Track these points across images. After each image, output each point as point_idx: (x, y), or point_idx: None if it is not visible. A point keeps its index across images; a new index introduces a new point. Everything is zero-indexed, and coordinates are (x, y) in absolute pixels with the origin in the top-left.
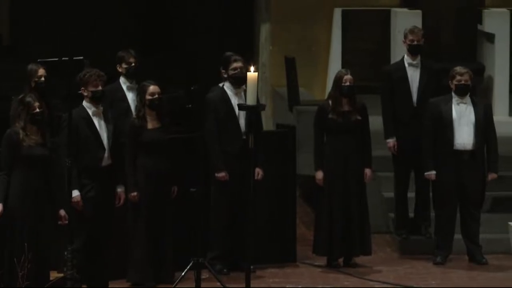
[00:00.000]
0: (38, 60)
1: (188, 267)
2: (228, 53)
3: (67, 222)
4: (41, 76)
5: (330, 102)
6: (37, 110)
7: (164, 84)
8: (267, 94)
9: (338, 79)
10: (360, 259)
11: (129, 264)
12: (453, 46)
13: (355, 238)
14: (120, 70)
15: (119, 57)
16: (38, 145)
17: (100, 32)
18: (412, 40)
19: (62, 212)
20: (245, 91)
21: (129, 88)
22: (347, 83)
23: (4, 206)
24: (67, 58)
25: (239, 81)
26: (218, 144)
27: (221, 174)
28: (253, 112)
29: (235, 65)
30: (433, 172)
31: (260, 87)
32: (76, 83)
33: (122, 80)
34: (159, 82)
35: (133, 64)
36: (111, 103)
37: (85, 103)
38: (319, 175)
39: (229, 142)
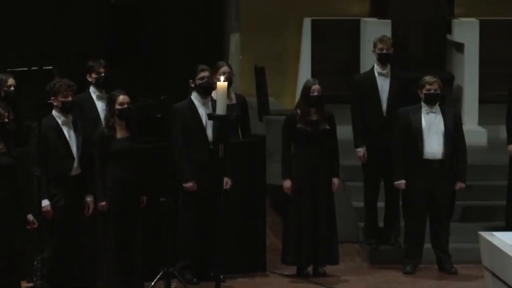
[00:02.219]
0: (8, 69)
1: (158, 276)
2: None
3: (35, 226)
4: (10, 86)
5: (298, 111)
6: (6, 120)
7: (133, 94)
8: None
9: (306, 89)
10: (329, 268)
11: (98, 274)
12: (423, 56)
13: (322, 247)
14: (90, 79)
15: (89, 66)
16: (3, 154)
17: (69, 41)
18: (382, 49)
19: (30, 217)
20: (214, 100)
21: (98, 98)
22: (315, 93)
23: None
24: (36, 68)
25: (206, 90)
26: (186, 154)
27: (189, 184)
28: (223, 122)
29: (202, 74)
30: (403, 181)
31: None
32: (46, 93)
33: (92, 89)
34: (129, 91)
35: (103, 74)
36: (80, 112)
37: (54, 113)
38: (287, 184)
39: (196, 151)
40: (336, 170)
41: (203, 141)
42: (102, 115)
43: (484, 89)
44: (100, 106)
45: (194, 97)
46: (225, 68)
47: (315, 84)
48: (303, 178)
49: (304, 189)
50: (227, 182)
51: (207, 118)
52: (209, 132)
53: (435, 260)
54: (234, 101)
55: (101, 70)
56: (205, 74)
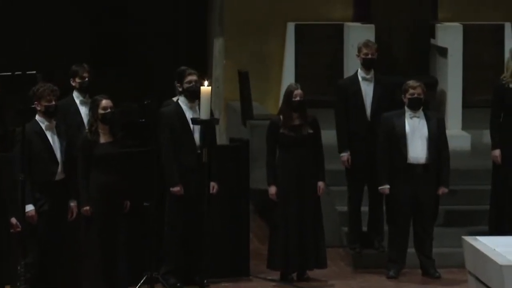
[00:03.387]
0: None
1: (142, 281)
2: (183, 67)
3: (19, 229)
4: None
5: (281, 116)
6: None
7: (117, 98)
8: (221, 108)
9: (288, 94)
10: (313, 273)
11: (82, 279)
12: (406, 60)
13: (310, 252)
14: (73, 84)
15: (72, 71)
16: None
17: (53, 46)
18: (366, 54)
19: (13, 220)
20: (199, 105)
21: (82, 103)
22: (297, 98)
23: None
24: (20, 72)
25: (194, 94)
26: (173, 158)
27: (176, 188)
28: (207, 126)
29: (189, 78)
30: (387, 186)
31: (214, 101)
32: (29, 97)
33: (75, 94)
34: (112, 96)
35: (86, 79)
36: (64, 117)
37: (38, 117)
38: (272, 189)
39: (184, 156)
40: (321, 174)
41: (191, 145)
42: (85, 120)
43: (467, 94)
44: (84, 111)
45: (181, 101)
46: (192, 77)
47: (297, 89)
48: (288, 183)
49: (290, 194)
50: (213, 186)
51: None
52: (197, 136)
53: (418, 264)
54: None
55: (85, 74)
56: (192, 78)
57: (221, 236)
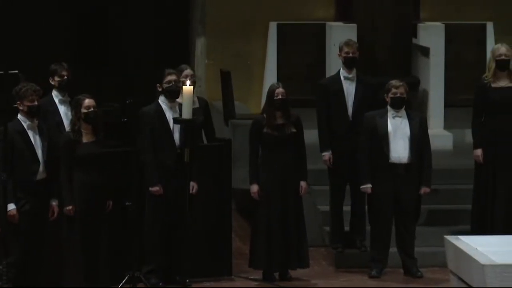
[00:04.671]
0: None
1: (124, 281)
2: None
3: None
4: None
5: (264, 116)
6: None
7: (99, 98)
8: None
9: (270, 93)
10: (296, 273)
11: (64, 278)
12: (388, 60)
13: (292, 251)
14: (52, 83)
15: (51, 70)
16: None
17: (35, 46)
18: (348, 53)
19: None
20: (180, 104)
21: (61, 101)
22: (279, 96)
23: None
24: (1, 72)
25: (173, 94)
26: (153, 158)
27: (155, 188)
28: (189, 126)
29: (169, 78)
30: (369, 186)
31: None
32: (12, 97)
33: (54, 93)
34: (94, 95)
35: (65, 77)
36: (43, 116)
37: (20, 117)
38: (254, 188)
39: (164, 155)
40: (304, 173)
41: (171, 145)
42: (64, 119)
43: (449, 93)
44: (63, 110)
45: (162, 101)
46: (188, 71)
47: (278, 87)
48: (271, 183)
49: (272, 194)
50: (193, 186)
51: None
52: (177, 136)
53: (400, 264)
54: (197, 104)
55: (64, 73)
56: (172, 77)
57: (203, 235)
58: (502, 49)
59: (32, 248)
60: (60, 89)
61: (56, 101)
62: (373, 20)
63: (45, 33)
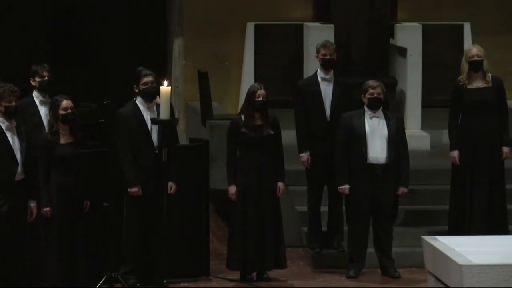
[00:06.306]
0: None
1: (101, 281)
2: (139, 68)
3: None
4: None
5: (242, 116)
6: None
7: (76, 99)
8: (180, 108)
9: (251, 94)
10: (273, 273)
11: (42, 278)
12: (366, 60)
13: (269, 252)
14: (33, 83)
15: (32, 71)
16: None
17: (13, 47)
18: (325, 55)
19: None
20: (158, 105)
21: (41, 103)
22: (260, 98)
23: None
24: None
25: (150, 95)
26: (131, 159)
27: (134, 189)
28: (167, 127)
29: (145, 79)
30: (347, 186)
31: (173, 101)
32: None
33: (35, 94)
34: (72, 96)
35: (46, 78)
36: (23, 117)
37: None
38: (232, 189)
39: (141, 156)
40: (281, 174)
41: (148, 146)
42: (45, 120)
43: (427, 94)
44: (44, 111)
45: (139, 101)
46: (148, 79)
47: (260, 89)
48: (248, 184)
49: (250, 194)
50: (171, 187)
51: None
52: (154, 137)
53: (378, 264)
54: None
55: (45, 74)
56: (148, 79)
57: (181, 236)
58: (474, 50)
59: (10, 248)
60: (40, 90)
61: (37, 102)
62: (350, 20)
63: (23, 35)
